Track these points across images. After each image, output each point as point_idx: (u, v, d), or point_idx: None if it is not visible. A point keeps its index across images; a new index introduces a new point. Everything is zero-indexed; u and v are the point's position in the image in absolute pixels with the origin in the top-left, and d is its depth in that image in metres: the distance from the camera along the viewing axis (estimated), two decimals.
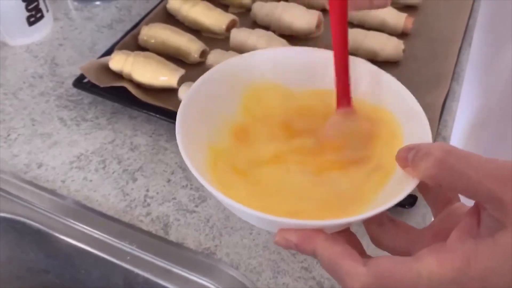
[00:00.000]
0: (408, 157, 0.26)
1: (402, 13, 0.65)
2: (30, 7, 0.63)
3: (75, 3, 0.72)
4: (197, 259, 0.43)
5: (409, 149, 0.27)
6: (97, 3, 0.72)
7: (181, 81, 0.57)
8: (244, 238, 0.45)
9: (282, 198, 0.30)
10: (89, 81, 0.56)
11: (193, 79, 0.57)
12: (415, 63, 0.62)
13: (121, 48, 0.61)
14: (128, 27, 0.68)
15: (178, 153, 0.52)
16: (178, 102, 0.55)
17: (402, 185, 0.28)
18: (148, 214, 0.47)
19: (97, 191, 0.49)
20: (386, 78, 0.34)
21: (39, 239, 0.47)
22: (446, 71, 0.60)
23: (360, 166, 0.32)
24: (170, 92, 0.56)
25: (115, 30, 0.68)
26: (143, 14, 0.70)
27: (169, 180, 0.50)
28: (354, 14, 0.65)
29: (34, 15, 0.64)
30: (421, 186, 0.29)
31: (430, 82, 0.59)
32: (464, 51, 0.64)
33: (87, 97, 0.58)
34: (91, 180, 0.50)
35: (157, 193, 0.49)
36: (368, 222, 0.30)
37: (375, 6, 0.33)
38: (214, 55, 0.58)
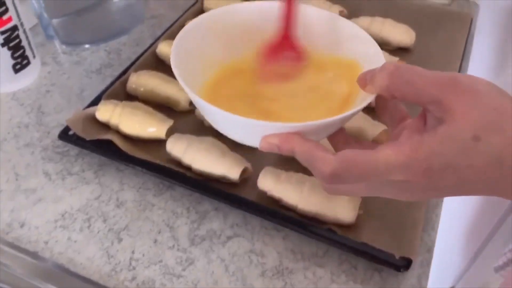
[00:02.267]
0: (366, 77, 0.33)
1: (393, 57, 0.64)
2: (16, 55, 0.62)
3: (64, 47, 0.71)
4: None
5: (367, 72, 0.33)
6: (86, 46, 0.72)
7: (170, 131, 0.56)
8: None
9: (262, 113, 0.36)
10: (75, 133, 0.55)
11: (182, 129, 0.58)
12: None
13: (109, 97, 0.60)
14: (117, 71, 0.67)
15: (165, 209, 0.51)
16: (167, 154, 0.54)
17: (363, 99, 0.33)
18: (133, 278, 0.45)
19: (82, 253, 0.47)
20: (342, 23, 0.41)
21: None
22: None
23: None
24: (158, 144, 0.55)
25: (103, 75, 0.67)
26: (132, 57, 0.69)
27: (155, 241, 0.48)
28: None
29: (20, 62, 0.63)
30: (379, 105, 0.36)
31: None
32: None
33: (73, 149, 0.57)
34: (75, 241, 0.48)
35: (143, 255, 0.47)
36: (335, 140, 0.36)
37: None
38: None
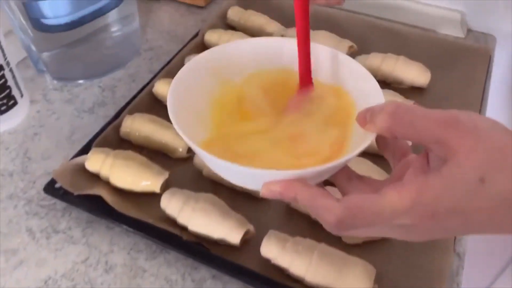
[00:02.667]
0: (366, 116, 0.31)
1: (407, 99, 0.60)
2: (1, 96, 0.57)
3: (55, 82, 0.67)
4: None
5: (367, 110, 0.32)
6: (80, 81, 0.67)
7: (166, 184, 0.51)
8: None
9: (259, 160, 0.35)
10: (62, 186, 0.51)
11: (179, 179, 0.53)
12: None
13: (101, 143, 0.55)
14: (111, 111, 0.62)
15: (158, 276, 0.46)
16: (161, 211, 0.49)
17: (363, 139, 0.32)
18: None
19: None
20: (343, 58, 0.39)
21: None
22: None
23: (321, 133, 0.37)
24: (153, 197, 0.51)
25: (96, 115, 0.63)
26: (128, 95, 0.64)
27: None
28: None
29: (6, 103, 0.58)
30: (380, 143, 0.35)
31: None
32: None
33: (60, 202, 0.52)
34: None
35: None
36: (337, 177, 0.34)
37: (331, 3, 0.41)
38: None
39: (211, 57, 0.40)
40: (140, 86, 0.65)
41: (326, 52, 0.40)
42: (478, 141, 0.28)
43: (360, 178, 0.34)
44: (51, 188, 0.51)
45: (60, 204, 0.52)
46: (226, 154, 0.33)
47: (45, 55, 0.65)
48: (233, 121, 0.39)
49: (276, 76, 0.41)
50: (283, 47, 0.41)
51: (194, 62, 0.39)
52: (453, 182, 0.27)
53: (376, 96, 0.35)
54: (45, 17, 0.62)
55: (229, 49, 0.41)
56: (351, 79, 0.39)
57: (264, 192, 0.31)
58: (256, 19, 0.72)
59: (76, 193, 0.50)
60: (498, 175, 0.27)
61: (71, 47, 0.66)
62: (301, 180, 0.31)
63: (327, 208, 0.30)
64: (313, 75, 0.40)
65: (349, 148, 0.35)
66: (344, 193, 0.34)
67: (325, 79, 0.40)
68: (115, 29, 0.68)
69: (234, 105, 0.40)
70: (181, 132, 0.33)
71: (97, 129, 0.59)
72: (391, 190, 0.29)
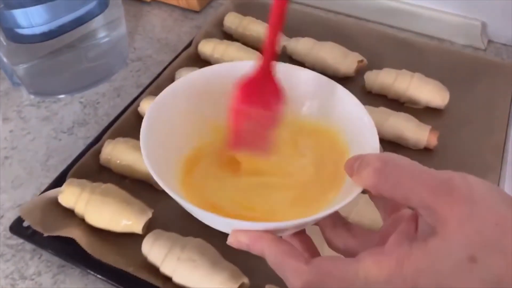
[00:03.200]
0: (354, 166, 0.29)
1: (424, 125, 0.53)
2: None
3: (32, 97, 0.61)
4: None
5: (355, 159, 0.29)
6: (60, 96, 0.61)
7: (149, 223, 0.45)
8: None
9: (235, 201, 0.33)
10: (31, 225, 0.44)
11: (166, 217, 0.51)
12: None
13: (78, 171, 0.49)
14: (93, 132, 0.56)
15: None
16: (142, 256, 0.43)
17: (350, 191, 0.29)
18: None
19: None
20: (339, 91, 0.36)
21: None
22: None
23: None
24: (134, 238, 0.44)
25: (75, 137, 0.56)
26: (111, 113, 0.58)
27: None
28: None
29: None
30: (370, 194, 0.31)
31: None
32: (506, 178, 0.52)
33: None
34: None
35: None
36: (322, 224, 0.31)
37: None
38: None
39: (188, 85, 0.36)
40: (125, 103, 0.59)
41: (316, 79, 0.37)
42: (473, 212, 0.25)
43: (347, 226, 0.32)
44: (18, 226, 0.45)
45: (29, 245, 0.46)
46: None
47: (20, 67, 0.59)
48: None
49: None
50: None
51: (168, 94, 0.35)
52: (439, 258, 0.25)
53: (371, 137, 0.32)
54: (19, 27, 0.55)
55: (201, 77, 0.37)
56: (343, 112, 0.35)
57: (231, 241, 0.29)
58: (255, 27, 0.65)
59: (46, 234, 0.44)
60: (492, 256, 0.24)
61: (49, 58, 0.59)
62: (271, 234, 0.28)
63: (294, 271, 0.27)
64: (299, 105, 0.37)
65: (340, 189, 0.32)
66: (326, 238, 0.32)
67: (312, 111, 0.37)
68: (98, 37, 0.62)
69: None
70: (155, 175, 0.30)
71: (76, 153, 0.53)
72: (368, 256, 0.27)
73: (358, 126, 0.34)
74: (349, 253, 0.30)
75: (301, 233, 0.31)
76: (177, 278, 0.41)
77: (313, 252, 0.31)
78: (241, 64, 0.37)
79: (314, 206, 0.31)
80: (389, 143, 0.53)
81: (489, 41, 0.68)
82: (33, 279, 0.44)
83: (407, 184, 0.26)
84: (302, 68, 0.38)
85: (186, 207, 0.30)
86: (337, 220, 0.31)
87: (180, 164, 0.35)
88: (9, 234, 0.46)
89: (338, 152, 0.34)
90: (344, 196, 0.29)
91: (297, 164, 0.35)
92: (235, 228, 0.29)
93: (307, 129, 0.37)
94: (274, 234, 0.29)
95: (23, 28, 0.55)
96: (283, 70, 0.34)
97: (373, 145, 0.32)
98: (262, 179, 0.35)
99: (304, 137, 0.37)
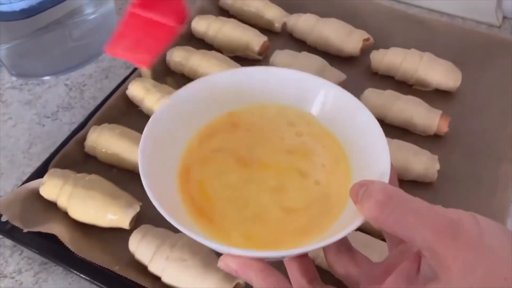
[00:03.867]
0: (359, 193, 0.27)
1: (435, 110, 0.49)
2: None
3: (14, 79, 0.57)
4: None
5: (361, 185, 0.27)
6: (44, 78, 0.57)
7: (137, 217, 0.42)
8: None
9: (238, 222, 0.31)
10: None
11: (155, 210, 0.44)
12: (450, 183, 0.46)
13: (61, 161, 0.46)
14: (78, 117, 0.53)
15: None
16: (129, 253, 0.40)
17: (351, 220, 0.28)
18: None
19: None
20: (343, 97, 0.34)
21: None
22: (499, 201, 0.44)
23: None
24: (121, 233, 0.41)
25: (60, 122, 0.53)
26: (98, 97, 0.54)
27: None
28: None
29: None
30: None
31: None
32: None
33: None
34: None
35: None
36: (325, 248, 0.30)
37: None
38: None
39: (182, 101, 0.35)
40: (113, 85, 0.55)
41: (324, 86, 0.35)
42: (480, 261, 0.23)
43: (351, 252, 0.30)
44: None
45: (9, 241, 0.43)
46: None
47: (1, 48, 0.55)
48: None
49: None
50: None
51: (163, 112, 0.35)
52: None
53: (383, 159, 0.30)
54: None
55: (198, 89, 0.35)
56: (352, 127, 0.33)
57: (221, 265, 0.28)
58: (253, 2, 0.61)
59: (26, 229, 0.41)
60: None
61: (31, 37, 0.55)
62: (261, 262, 0.27)
63: None
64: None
65: (341, 214, 0.30)
66: (328, 261, 0.30)
67: (326, 122, 0.34)
68: (85, 14, 0.58)
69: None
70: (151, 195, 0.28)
71: (60, 140, 0.49)
72: None
73: (370, 146, 0.32)
74: (350, 280, 0.29)
75: (302, 256, 0.29)
76: (166, 279, 0.38)
77: (312, 276, 0.29)
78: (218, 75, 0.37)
79: (315, 231, 0.30)
80: (396, 129, 0.50)
81: (504, 18, 0.64)
82: (13, 277, 0.41)
83: (411, 221, 0.24)
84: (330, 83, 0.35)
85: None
86: (341, 245, 0.30)
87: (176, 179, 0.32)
88: None
89: (344, 174, 0.33)
90: (345, 224, 0.28)
91: (301, 186, 0.33)
92: (226, 253, 0.28)
93: (320, 144, 0.34)
94: (267, 260, 0.27)
95: (1, 4, 0.51)
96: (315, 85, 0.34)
97: (383, 169, 0.30)
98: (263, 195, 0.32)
99: (312, 154, 0.34)
